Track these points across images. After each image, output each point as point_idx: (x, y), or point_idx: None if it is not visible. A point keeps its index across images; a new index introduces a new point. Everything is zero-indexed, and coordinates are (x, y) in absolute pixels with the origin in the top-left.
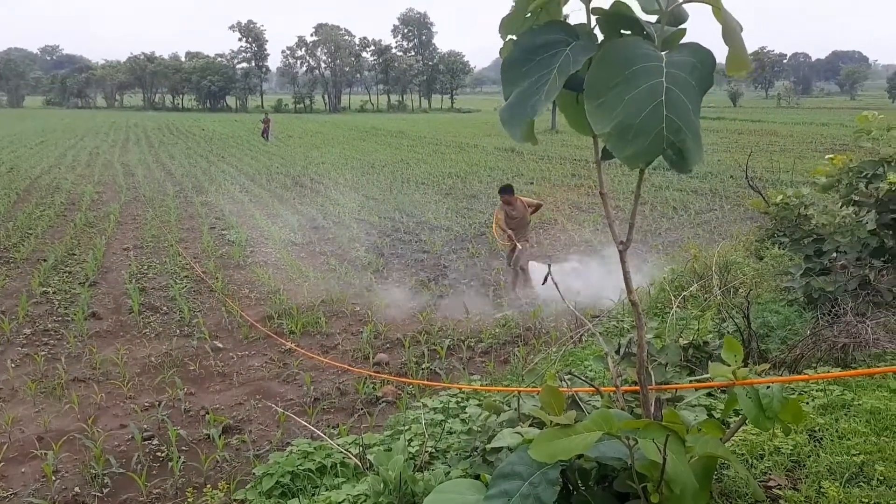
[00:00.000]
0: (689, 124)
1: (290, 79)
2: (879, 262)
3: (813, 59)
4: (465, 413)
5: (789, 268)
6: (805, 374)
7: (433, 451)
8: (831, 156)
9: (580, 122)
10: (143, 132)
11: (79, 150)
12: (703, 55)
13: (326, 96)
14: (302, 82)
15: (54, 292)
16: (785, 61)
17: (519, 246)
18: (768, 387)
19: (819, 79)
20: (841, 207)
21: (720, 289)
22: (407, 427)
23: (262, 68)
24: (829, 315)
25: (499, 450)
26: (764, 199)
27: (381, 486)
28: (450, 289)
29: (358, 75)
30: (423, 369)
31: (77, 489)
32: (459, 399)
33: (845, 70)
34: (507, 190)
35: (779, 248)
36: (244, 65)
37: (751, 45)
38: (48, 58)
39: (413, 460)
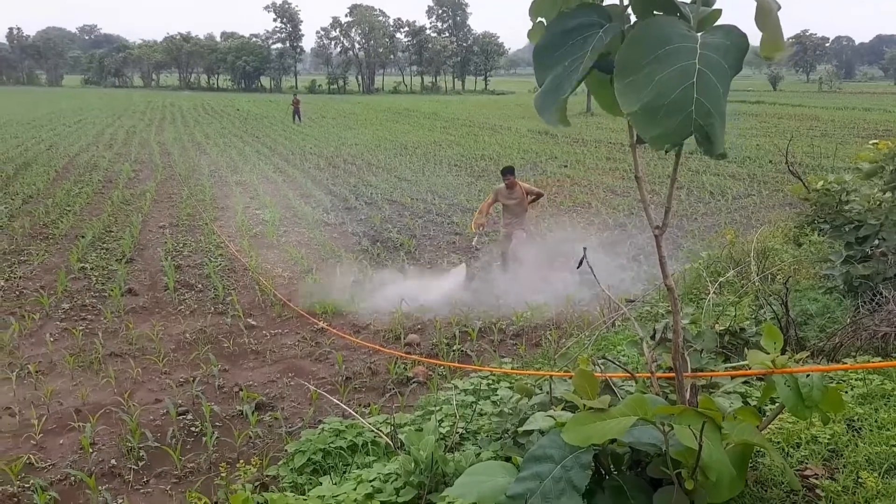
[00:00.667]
0: (719, 108)
1: (324, 59)
2: None
3: (856, 42)
4: (496, 395)
5: (829, 255)
6: (844, 363)
7: (464, 432)
8: (876, 141)
9: (612, 103)
10: (179, 111)
11: (116, 129)
12: (737, 38)
13: (360, 77)
14: (336, 63)
15: (92, 268)
16: (827, 45)
17: (515, 235)
18: (808, 375)
19: (862, 63)
20: (879, 193)
21: (758, 275)
22: (438, 408)
23: (296, 49)
24: (870, 303)
25: (530, 432)
26: (804, 184)
27: (412, 465)
28: (481, 271)
29: (392, 56)
30: (453, 351)
31: (113, 461)
32: (490, 381)
33: (889, 54)
34: (509, 170)
35: (819, 234)
36: (279, 45)
37: (792, 28)
38: (86, 37)
39: (444, 441)
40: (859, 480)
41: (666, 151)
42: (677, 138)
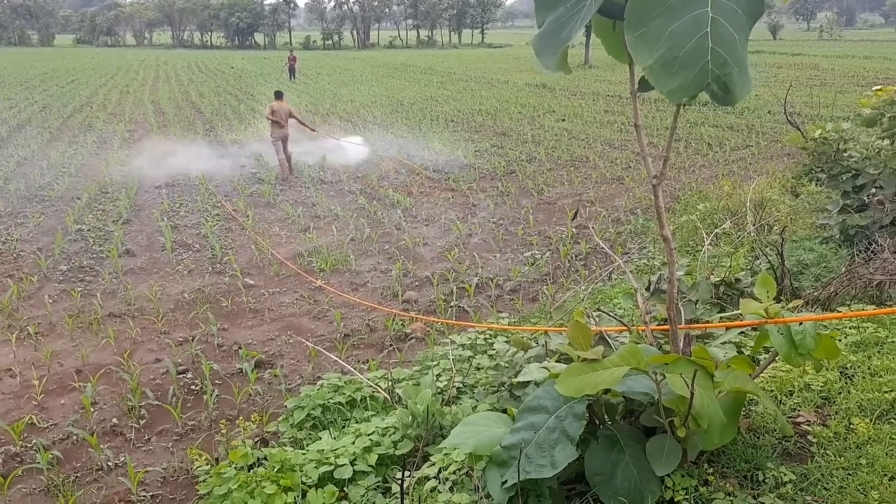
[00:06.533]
0: (736, 56)
1: (319, 14)
2: None
3: None
4: (493, 349)
5: (826, 204)
6: (839, 311)
7: (461, 385)
8: (878, 87)
9: (618, 48)
10: (173, 70)
11: (109, 89)
12: None
13: (355, 32)
14: (330, 18)
15: (89, 230)
16: None
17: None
18: (800, 323)
19: (863, 10)
20: (877, 140)
21: (754, 226)
22: (435, 363)
23: (289, 4)
24: (866, 252)
25: (526, 384)
26: (802, 134)
27: (410, 418)
28: (479, 227)
29: (387, 10)
30: (451, 307)
31: (115, 420)
32: (487, 336)
33: (891, 1)
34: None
35: (816, 184)
36: (272, 0)
37: None
38: None
39: (441, 395)
40: (851, 426)
41: (684, 105)
42: (695, 90)
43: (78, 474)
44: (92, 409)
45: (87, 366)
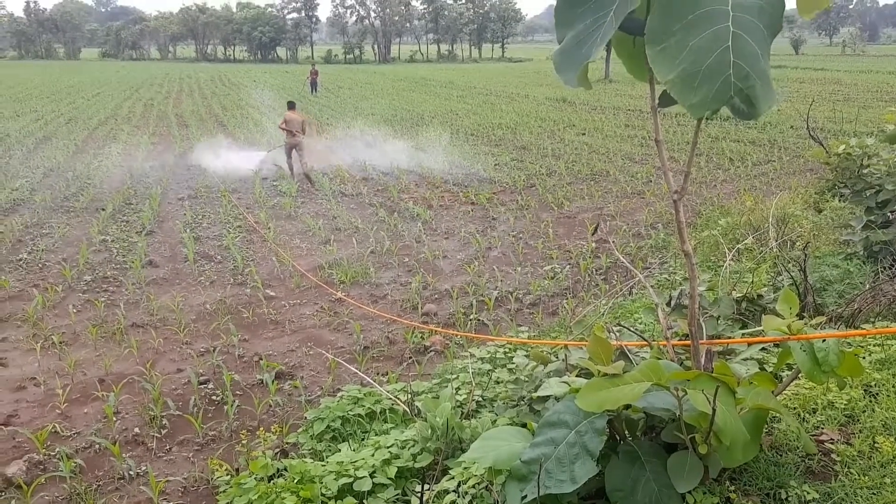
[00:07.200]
0: (758, 70)
1: (340, 29)
2: None
3: (881, 3)
4: (513, 363)
5: (849, 220)
6: (862, 328)
7: (480, 399)
8: None
9: (637, 66)
10: (196, 84)
11: (134, 102)
12: None
13: (376, 46)
14: (351, 32)
15: (113, 241)
16: (851, 6)
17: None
18: (823, 340)
19: (887, 25)
20: None
21: (776, 241)
22: (455, 376)
23: (311, 18)
24: (890, 268)
25: (545, 399)
26: (825, 149)
27: (429, 431)
28: (498, 241)
29: (408, 25)
30: (470, 320)
31: (137, 429)
32: (507, 349)
33: None
34: (290, 104)
35: (839, 200)
36: (294, 15)
37: None
38: (102, 9)
39: (460, 408)
40: (875, 445)
41: (707, 119)
42: (717, 103)
43: (100, 483)
44: (114, 419)
45: (110, 375)
